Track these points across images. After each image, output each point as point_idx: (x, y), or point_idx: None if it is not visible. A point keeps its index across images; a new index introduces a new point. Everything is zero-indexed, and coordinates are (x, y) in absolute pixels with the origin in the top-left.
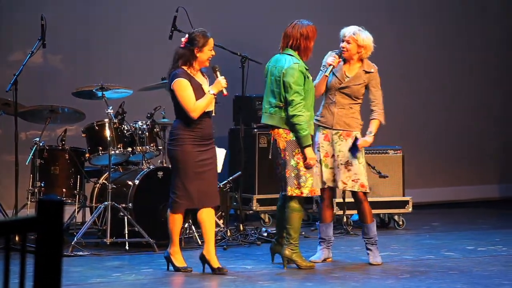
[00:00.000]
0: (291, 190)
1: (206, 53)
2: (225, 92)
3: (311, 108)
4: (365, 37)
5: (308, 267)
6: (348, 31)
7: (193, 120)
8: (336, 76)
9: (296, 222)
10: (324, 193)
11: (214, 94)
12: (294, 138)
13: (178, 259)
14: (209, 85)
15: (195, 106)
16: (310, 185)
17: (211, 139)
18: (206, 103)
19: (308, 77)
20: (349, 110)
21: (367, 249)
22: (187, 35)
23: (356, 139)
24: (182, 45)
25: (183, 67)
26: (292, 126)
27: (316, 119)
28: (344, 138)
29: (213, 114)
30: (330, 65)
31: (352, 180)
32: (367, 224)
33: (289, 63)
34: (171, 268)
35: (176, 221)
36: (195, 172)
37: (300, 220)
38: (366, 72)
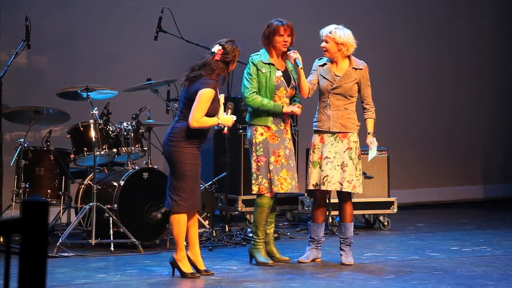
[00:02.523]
0: (252, 187)
1: (235, 65)
2: (226, 130)
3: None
4: (342, 34)
5: (263, 263)
6: (326, 30)
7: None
8: (327, 79)
9: (256, 217)
10: (316, 194)
11: (218, 123)
12: (249, 136)
13: (185, 265)
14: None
15: (201, 120)
16: (259, 183)
17: None
18: (209, 125)
19: (262, 71)
20: (344, 111)
21: (341, 249)
22: (220, 47)
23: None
24: (218, 57)
25: (213, 80)
26: (259, 116)
27: (313, 124)
28: (340, 140)
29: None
30: (294, 59)
31: (347, 181)
32: (346, 223)
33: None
34: (177, 273)
35: (180, 225)
36: (197, 174)
37: (259, 216)
38: (356, 69)
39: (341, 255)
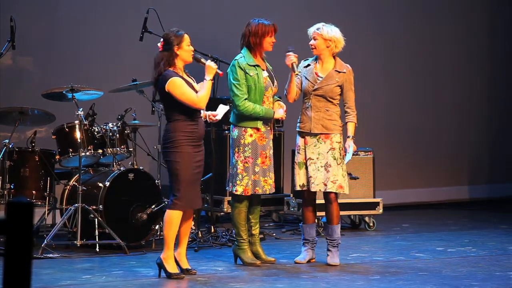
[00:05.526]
0: (230, 187)
1: (185, 50)
2: (220, 72)
3: (257, 104)
4: (330, 30)
5: (249, 263)
6: (313, 28)
7: (190, 121)
8: (309, 80)
9: (234, 218)
10: (304, 194)
11: (211, 80)
12: (235, 136)
13: (171, 265)
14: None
15: (200, 98)
16: (245, 184)
17: (202, 140)
18: (208, 91)
19: (250, 74)
20: (325, 113)
21: (328, 250)
22: (162, 39)
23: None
24: (160, 49)
25: (169, 68)
26: (249, 118)
27: (297, 125)
28: (323, 141)
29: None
30: (291, 63)
31: (331, 181)
32: (333, 225)
33: (232, 61)
34: (163, 274)
35: (173, 223)
36: (193, 174)
37: (238, 216)
38: (339, 72)
39: (327, 255)
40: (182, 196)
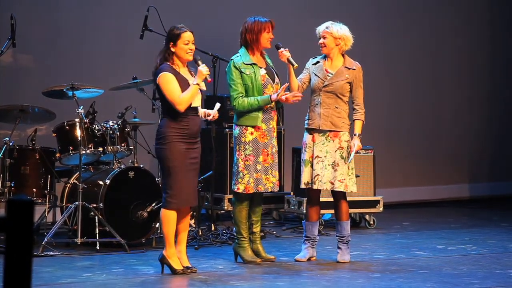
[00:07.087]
0: (233, 185)
1: (181, 48)
2: (209, 78)
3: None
4: (339, 28)
5: (250, 261)
6: (322, 27)
7: (181, 117)
8: (318, 77)
9: (235, 216)
10: (310, 192)
11: (197, 84)
12: (237, 135)
13: (175, 261)
14: None
15: (181, 99)
16: (246, 182)
17: (198, 137)
18: (191, 95)
19: (246, 73)
20: (334, 110)
21: (338, 247)
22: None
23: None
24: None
25: (166, 63)
26: (249, 116)
27: (305, 122)
28: (331, 139)
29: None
30: (286, 59)
31: (339, 181)
32: (342, 221)
33: (229, 61)
34: (167, 271)
35: (170, 222)
36: (185, 170)
37: (239, 214)
38: (348, 69)
39: (337, 253)
40: (174, 193)
